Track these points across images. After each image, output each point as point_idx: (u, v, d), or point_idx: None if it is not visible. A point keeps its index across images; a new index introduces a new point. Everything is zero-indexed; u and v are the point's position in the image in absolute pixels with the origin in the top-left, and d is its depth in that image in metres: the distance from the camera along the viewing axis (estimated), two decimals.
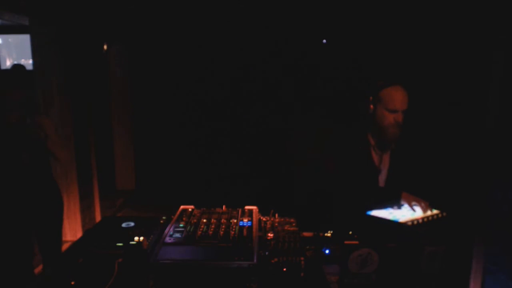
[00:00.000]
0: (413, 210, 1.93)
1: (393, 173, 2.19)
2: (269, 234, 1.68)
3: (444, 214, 1.90)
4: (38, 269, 3.09)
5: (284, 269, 1.48)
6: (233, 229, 1.64)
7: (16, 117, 2.51)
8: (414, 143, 2.22)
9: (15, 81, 2.55)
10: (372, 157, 2.18)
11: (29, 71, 4.02)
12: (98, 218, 4.54)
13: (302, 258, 1.50)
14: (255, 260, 1.38)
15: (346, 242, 1.51)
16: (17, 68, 3.70)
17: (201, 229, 1.64)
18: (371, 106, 2.13)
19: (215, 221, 1.74)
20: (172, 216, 1.84)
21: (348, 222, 1.87)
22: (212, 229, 1.64)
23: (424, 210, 1.91)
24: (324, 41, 6.26)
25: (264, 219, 1.86)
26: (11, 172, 2.61)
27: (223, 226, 1.67)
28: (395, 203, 1.99)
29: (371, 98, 2.14)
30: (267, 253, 1.52)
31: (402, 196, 1.99)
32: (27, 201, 2.68)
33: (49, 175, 2.85)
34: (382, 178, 2.20)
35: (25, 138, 2.60)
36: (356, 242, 1.50)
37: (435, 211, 1.92)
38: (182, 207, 1.94)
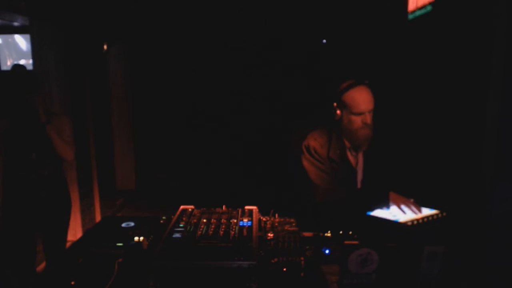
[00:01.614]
0: (403, 212, 1.92)
1: (367, 173, 2.17)
2: (269, 234, 1.68)
3: (444, 214, 1.90)
4: (40, 267, 3.10)
5: (284, 269, 1.48)
6: (233, 229, 1.64)
7: (30, 118, 2.62)
8: (384, 141, 2.19)
9: (29, 86, 2.63)
10: (348, 159, 2.16)
11: (29, 71, 4.02)
12: (98, 218, 4.54)
13: (302, 258, 1.50)
14: (255, 260, 1.38)
15: (346, 242, 1.51)
16: (18, 68, 3.69)
17: (201, 229, 1.64)
18: (338, 112, 2.09)
19: (215, 221, 1.74)
20: (172, 216, 1.84)
21: (345, 223, 1.87)
22: (212, 229, 1.64)
23: (415, 212, 1.89)
24: (324, 41, 6.26)
25: (264, 219, 1.86)
26: (21, 169, 2.68)
27: (223, 226, 1.67)
28: (383, 204, 1.98)
29: (335, 104, 2.10)
30: (267, 253, 1.52)
31: (390, 196, 1.97)
32: (36, 199, 2.73)
33: (59, 173, 2.90)
34: (358, 179, 2.19)
35: (37, 137, 2.68)
36: (356, 242, 1.50)
37: (434, 211, 1.92)
38: (182, 207, 1.94)
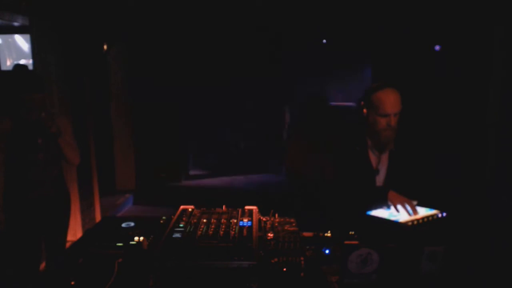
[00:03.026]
0: (397, 211, 1.92)
1: (390, 173, 2.18)
2: (269, 234, 1.68)
3: (444, 214, 1.90)
4: (40, 267, 3.09)
5: (284, 269, 1.48)
6: (233, 229, 1.64)
7: (33, 117, 2.57)
8: (412, 144, 2.21)
9: (34, 85, 2.60)
10: (369, 158, 2.17)
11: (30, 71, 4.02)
12: (98, 218, 4.54)
13: (302, 258, 1.50)
14: (255, 260, 1.38)
15: (346, 242, 1.51)
16: (21, 68, 3.70)
17: (201, 229, 1.64)
18: (364, 111, 2.12)
19: (215, 221, 1.74)
20: (172, 216, 1.84)
21: (348, 222, 1.86)
22: (212, 229, 1.64)
23: (410, 213, 1.88)
24: (324, 41, 6.26)
25: (264, 219, 1.86)
26: (28, 168, 2.66)
27: (223, 226, 1.67)
28: (382, 202, 1.98)
29: (362, 103, 2.13)
30: (267, 253, 1.52)
31: (388, 195, 1.98)
32: (39, 199, 2.72)
33: (62, 173, 2.90)
34: (380, 179, 2.19)
35: (42, 137, 2.65)
36: (356, 242, 1.49)
37: (434, 211, 1.92)
38: (182, 207, 1.94)
